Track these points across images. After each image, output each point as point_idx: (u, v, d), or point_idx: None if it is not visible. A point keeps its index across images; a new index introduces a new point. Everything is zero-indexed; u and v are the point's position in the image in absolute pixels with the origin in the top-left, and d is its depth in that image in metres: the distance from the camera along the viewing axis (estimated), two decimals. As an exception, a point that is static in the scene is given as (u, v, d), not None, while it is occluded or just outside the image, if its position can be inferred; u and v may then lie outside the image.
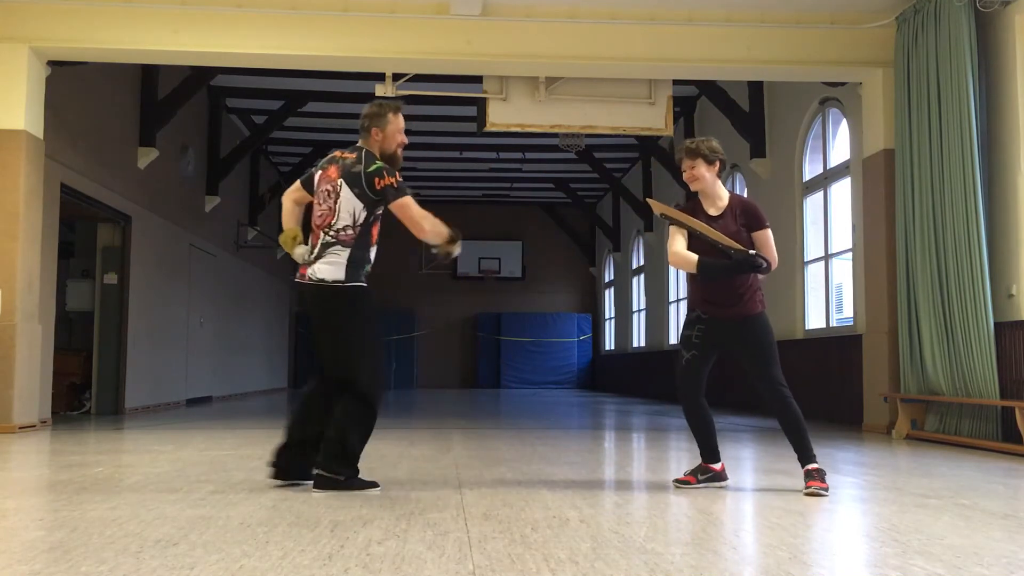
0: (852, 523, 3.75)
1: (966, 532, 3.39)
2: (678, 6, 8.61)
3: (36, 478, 4.92)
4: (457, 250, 4.39)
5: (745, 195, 12.98)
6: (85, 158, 9.94)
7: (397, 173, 4.34)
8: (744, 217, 4.50)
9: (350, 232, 4.28)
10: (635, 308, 19.57)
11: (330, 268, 4.26)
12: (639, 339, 19.19)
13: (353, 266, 4.28)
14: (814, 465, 4.37)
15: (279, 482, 4.39)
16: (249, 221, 17.30)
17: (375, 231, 4.39)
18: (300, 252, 4.41)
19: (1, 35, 8.16)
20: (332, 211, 4.30)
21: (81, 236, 11.84)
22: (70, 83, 9.44)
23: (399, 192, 4.29)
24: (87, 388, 11.02)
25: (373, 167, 4.29)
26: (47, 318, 9.13)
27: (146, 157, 11.51)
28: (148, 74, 11.55)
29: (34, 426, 8.29)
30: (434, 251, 4.45)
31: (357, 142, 4.47)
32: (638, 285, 19.35)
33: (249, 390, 17.72)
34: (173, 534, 3.18)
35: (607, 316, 22.82)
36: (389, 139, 4.46)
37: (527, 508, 3.85)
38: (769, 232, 4.51)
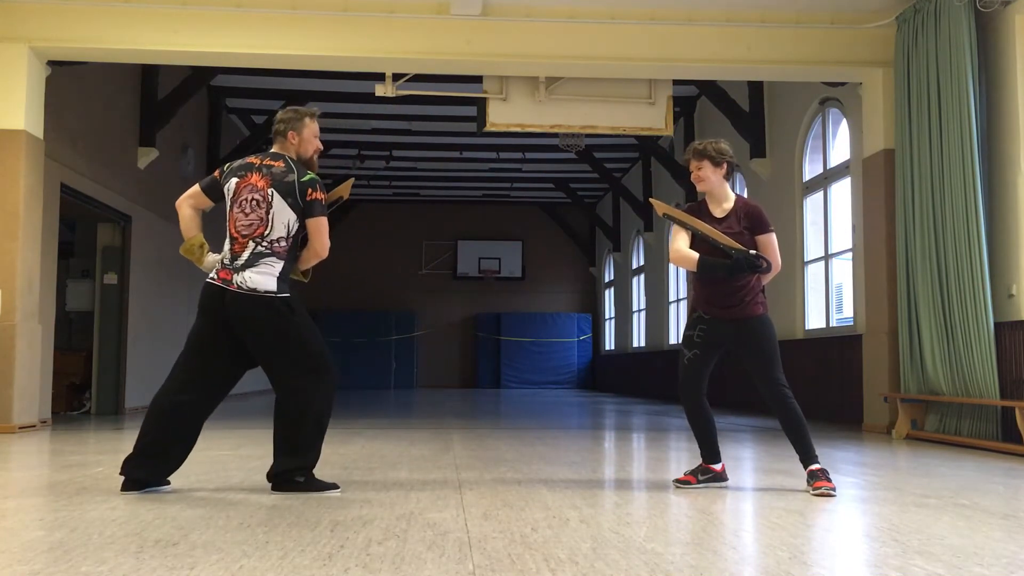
0: (852, 523, 3.74)
1: (966, 532, 3.39)
2: (678, 6, 8.61)
3: (36, 478, 4.92)
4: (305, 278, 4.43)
5: (745, 195, 12.99)
6: (85, 158, 9.94)
7: (323, 189, 4.30)
8: (748, 220, 4.50)
9: (284, 244, 4.19)
10: (635, 308, 19.57)
11: (262, 278, 4.14)
12: (639, 339, 19.19)
13: (282, 279, 4.20)
14: (817, 465, 4.37)
15: (135, 492, 4.15)
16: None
17: (299, 243, 4.32)
18: (212, 261, 4.31)
19: (1, 35, 8.16)
20: (264, 221, 4.18)
21: (81, 236, 11.84)
22: (70, 83, 9.44)
23: (323, 209, 4.26)
24: (87, 388, 11.02)
25: (307, 177, 4.24)
26: (47, 318, 9.13)
27: (146, 157, 11.51)
28: (148, 74, 11.56)
29: (34, 426, 8.29)
30: (301, 270, 4.38)
31: (273, 147, 4.40)
32: (638, 285, 19.35)
33: (248, 390, 17.70)
34: (173, 534, 3.17)
35: (607, 316, 22.82)
36: (306, 143, 4.37)
37: (527, 508, 3.85)
38: (772, 236, 4.52)
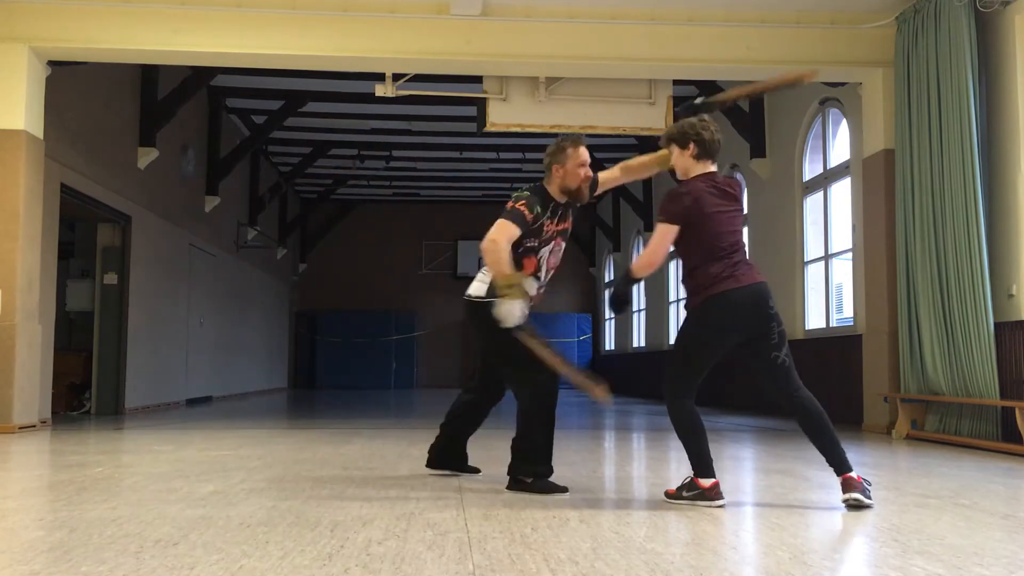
0: (852, 523, 3.74)
1: (966, 532, 3.39)
2: (678, 6, 8.61)
3: (36, 478, 4.92)
4: (509, 310, 4.08)
5: (745, 195, 12.98)
6: (85, 158, 9.94)
7: (527, 205, 4.21)
8: None
9: None
10: (635, 308, 19.56)
11: (476, 285, 4.44)
12: (639, 339, 19.19)
13: (494, 286, 4.29)
14: (693, 476, 4.09)
15: (432, 471, 4.89)
16: (249, 221, 17.30)
17: (527, 263, 4.34)
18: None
19: (1, 35, 8.16)
20: None
21: (81, 236, 11.84)
22: (70, 83, 9.43)
23: (506, 214, 4.23)
24: (87, 388, 11.02)
25: (516, 193, 4.33)
26: (47, 318, 9.13)
27: (146, 157, 11.50)
28: (148, 74, 11.55)
29: (34, 426, 8.29)
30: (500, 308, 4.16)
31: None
32: (638, 285, 19.31)
33: (249, 390, 17.71)
34: (173, 534, 3.17)
35: (607, 316, 22.82)
36: (571, 175, 4.34)
37: (527, 508, 3.85)
38: (658, 226, 4.05)
